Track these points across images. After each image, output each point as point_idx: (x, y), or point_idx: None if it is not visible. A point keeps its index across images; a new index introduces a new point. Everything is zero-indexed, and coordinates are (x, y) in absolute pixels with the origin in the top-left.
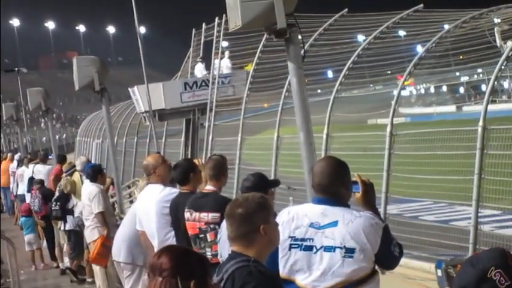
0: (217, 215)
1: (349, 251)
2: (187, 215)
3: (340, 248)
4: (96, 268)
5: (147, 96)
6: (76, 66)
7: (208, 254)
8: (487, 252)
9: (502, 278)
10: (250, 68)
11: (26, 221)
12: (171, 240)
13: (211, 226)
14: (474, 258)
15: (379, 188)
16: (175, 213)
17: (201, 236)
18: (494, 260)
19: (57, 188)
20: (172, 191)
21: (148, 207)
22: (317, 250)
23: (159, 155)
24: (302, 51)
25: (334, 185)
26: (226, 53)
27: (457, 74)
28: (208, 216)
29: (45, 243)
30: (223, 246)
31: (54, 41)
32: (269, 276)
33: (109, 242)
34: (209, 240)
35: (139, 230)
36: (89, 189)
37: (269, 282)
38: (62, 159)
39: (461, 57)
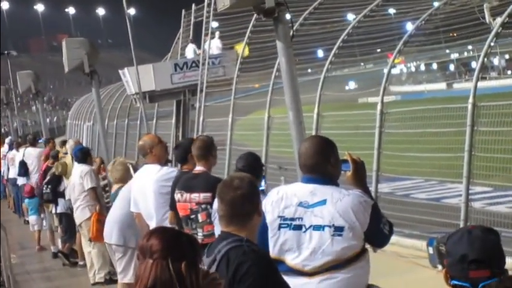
0: (209, 194)
1: (338, 230)
2: (177, 196)
3: (329, 226)
4: (91, 250)
5: (137, 77)
6: (65, 48)
7: (200, 234)
8: (482, 226)
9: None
10: (240, 48)
11: (29, 202)
12: None
13: (203, 206)
14: (479, 228)
15: (370, 167)
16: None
17: (192, 216)
18: (496, 233)
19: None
20: (170, 170)
21: (145, 187)
22: (306, 229)
23: (155, 135)
24: (291, 31)
25: (320, 164)
26: (217, 34)
27: (447, 51)
28: (199, 196)
29: (44, 224)
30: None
31: (44, 24)
32: (263, 255)
33: (103, 216)
34: (201, 220)
35: (135, 212)
36: (80, 168)
37: (264, 261)
38: (47, 142)
39: (451, 34)
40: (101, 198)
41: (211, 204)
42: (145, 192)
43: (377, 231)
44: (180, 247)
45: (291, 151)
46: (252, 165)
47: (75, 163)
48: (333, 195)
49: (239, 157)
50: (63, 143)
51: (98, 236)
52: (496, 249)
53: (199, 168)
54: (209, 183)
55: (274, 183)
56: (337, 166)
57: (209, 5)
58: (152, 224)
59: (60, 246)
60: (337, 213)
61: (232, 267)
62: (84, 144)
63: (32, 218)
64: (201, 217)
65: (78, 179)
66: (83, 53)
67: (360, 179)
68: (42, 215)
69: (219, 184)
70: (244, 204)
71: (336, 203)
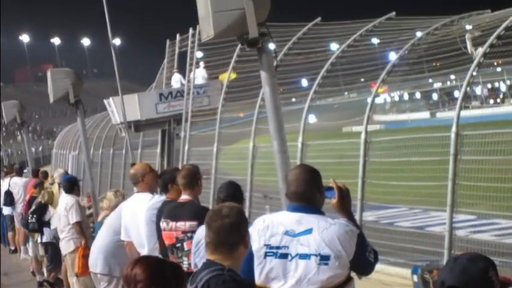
0: (195, 223)
1: (324, 258)
2: (163, 225)
3: (315, 255)
4: (73, 280)
5: (122, 107)
6: (50, 78)
7: (185, 263)
8: (475, 254)
9: (496, 279)
10: (225, 77)
11: None
12: None
13: (189, 235)
14: (466, 256)
15: (354, 195)
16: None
17: (178, 245)
18: (488, 261)
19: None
20: (161, 199)
21: (137, 216)
22: (292, 258)
23: (147, 163)
24: (275, 61)
25: (310, 191)
26: (201, 64)
27: (430, 80)
28: (185, 225)
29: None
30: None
31: (29, 54)
32: (244, 284)
33: (88, 251)
34: (186, 249)
35: (126, 241)
36: (65, 200)
37: None
38: (36, 173)
39: (434, 63)
40: (86, 230)
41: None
42: (137, 220)
43: (363, 260)
44: (164, 276)
45: (275, 180)
46: (234, 195)
47: (62, 193)
48: (319, 223)
49: (220, 187)
50: (45, 173)
51: (84, 271)
52: (478, 277)
53: (185, 196)
54: (196, 211)
55: (260, 211)
56: (323, 194)
57: (193, 35)
58: (143, 253)
59: (45, 275)
60: (323, 242)
61: None
62: (70, 173)
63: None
64: (186, 246)
65: (63, 211)
66: (68, 83)
67: (345, 206)
68: (27, 245)
69: (209, 212)
70: (231, 233)
71: (322, 231)
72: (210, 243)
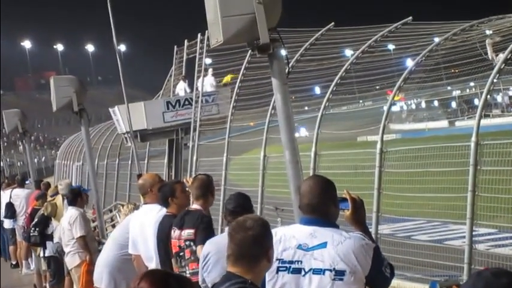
0: (192, 231)
1: (339, 274)
2: (172, 232)
3: (330, 270)
4: None
5: (128, 116)
6: (53, 86)
7: (187, 273)
8: (499, 269)
9: None
10: (229, 79)
11: None
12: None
13: (187, 243)
14: (490, 271)
15: (370, 207)
16: (160, 235)
17: (181, 254)
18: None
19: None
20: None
21: (146, 228)
22: (306, 273)
23: (156, 174)
24: (287, 67)
25: (324, 204)
26: (210, 70)
27: (449, 88)
28: (185, 233)
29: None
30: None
31: (31, 61)
32: None
33: (93, 267)
34: (186, 258)
35: (133, 254)
36: (69, 213)
37: None
38: (38, 185)
39: (452, 70)
40: (91, 243)
41: (194, 241)
42: (145, 233)
43: (379, 275)
44: None
45: (287, 191)
46: (243, 206)
47: (66, 205)
48: (333, 237)
49: (229, 198)
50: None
51: (87, 287)
52: None
53: (195, 206)
54: (194, 220)
55: (271, 225)
56: (337, 206)
57: (202, 40)
58: (151, 266)
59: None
60: (338, 256)
61: None
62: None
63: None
64: (186, 254)
65: (67, 225)
66: (71, 91)
67: (359, 218)
68: (29, 259)
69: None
70: (254, 246)
71: (337, 245)
72: (232, 255)
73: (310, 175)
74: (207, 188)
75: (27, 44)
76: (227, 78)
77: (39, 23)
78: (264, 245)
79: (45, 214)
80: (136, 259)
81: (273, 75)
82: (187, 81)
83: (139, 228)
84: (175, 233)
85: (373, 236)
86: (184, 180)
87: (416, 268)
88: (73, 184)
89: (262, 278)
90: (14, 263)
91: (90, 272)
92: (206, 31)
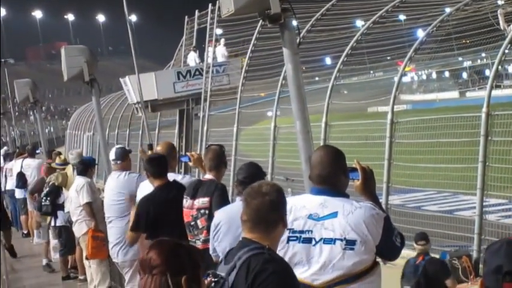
0: (207, 199)
1: (350, 243)
2: (184, 201)
3: (341, 240)
4: (90, 266)
5: (138, 86)
6: (64, 56)
7: (200, 241)
8: None
9: None
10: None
11: None
12: None
13: (202, 212)
14: None
15: (380, 178)
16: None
17: (192, 223)
18: None
19: (47, 183)
20: (192, 179)
21: None
22: (316, 242)
23: (170, 143)
24: (298, 38)
25: (335, 174)
26: (222, 41)
27: (460, 58)
28: (199, 202)
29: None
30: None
31: (42, 31)
32: (285, 265)
33: (98, 233)
34: (200, 226)
35: None
36: (77, 181)
37: (284, 271)
38: (50, 155)
39: (464, 41)
40: (98, 212)
41: (209, 209)
42: None
43: (389, 244)
44: (179, 261)
45: (297, 162)
46: (255, 175)
47: (76, 175)
48: (344, 207)
49: (239, 168)
50: (58, 154)
51: (93, 253)
52: None
53: (207, 176)
54: (209, 188)
55: None
56: (347, 176)
57: (213, 11)
58: None
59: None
60: (348, 226)
61: (252, 274)
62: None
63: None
64: (200, 223)
65: (74, 193)
66: (82, 61)
67: (369, 188)
68: (40, 228)
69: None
70: (272, 211)
71: (347, 215)
72: (248, 221)
73: (321, 145)
74: (220, 159)
75: (38, 14)
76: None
77: None
78: (281, 210)
79: (56, 184)
80: None
81: (284, 45)
82: (198, 51)
83: None
84: (187, 202)
85: (383, 206)
86: (189, 154)
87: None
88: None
89: (278, 243)
90: (25, 232)
91: (95, 238)
92: (217, 1)
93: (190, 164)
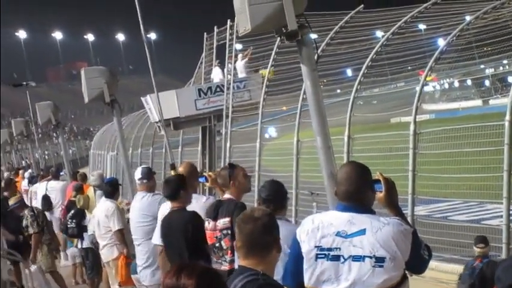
0: (228, 219)
1: (379, 260)
2: (206, 224)
3: (370, 257)
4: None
5: (158, 104)
6: (84, 78)
7: (226, 261)
8: None
9: None
10: (265, 73)
11: None
12: None
13: (224, 232)
14: None
15: (405, 190)
16: (167, 230)
17: (217, 245)
18: None
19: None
20: (210, 200)
21: None
22: (345, 260)
23: (190, 163)
24: (316, 53)
25: (362, 190)
26: (240, 55)
27: (482, 66)
28: (221, 222)
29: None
30: None
31: (62, 51)
32: None
33: (130, 259)
34: (224, 247)
35: (158, 245)
36: (104, 205)
37: None
38: (75, 176)
39: (485, 49)
40: (127, 235)
41: (231, 228)
42: None
43: (417, 258)
44: (210, 285)
45: (321, 176)
46: (277, 193)
47: (102, 197)
48: (372, 224)
49: (262, 186)
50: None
51: (126, 281)
52: None
53: (226, 196)
54: (229, 208)
55: (306, 209)
56: (373, 191)
57: (232, 27)
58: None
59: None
60: (377, 243)
61: None
62: (108, 175)
63: (73, 250)
64: (224, 243)
65: (103, 217)
66: (102, 82)
67: (392, 199)
68: (67, 251)
69: (239, 216)
70: (264, 234)
71: (376, 232)
72: (242, 247)
73: (345, 161)
74: (228, 178)
75: (58, 35)
76: (271, 73)
77: (69, 14)
78: (273, 234)
79: (78, 207)
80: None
81: (302, 62)
82: (222, 67)
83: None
84: (210, 224)
85: (409, 218)
86: (206, 175)
87: (455, 249)
88: (108, 174)
89: (274, 268)
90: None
91: (129, 265)
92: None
93: (207, 184)
